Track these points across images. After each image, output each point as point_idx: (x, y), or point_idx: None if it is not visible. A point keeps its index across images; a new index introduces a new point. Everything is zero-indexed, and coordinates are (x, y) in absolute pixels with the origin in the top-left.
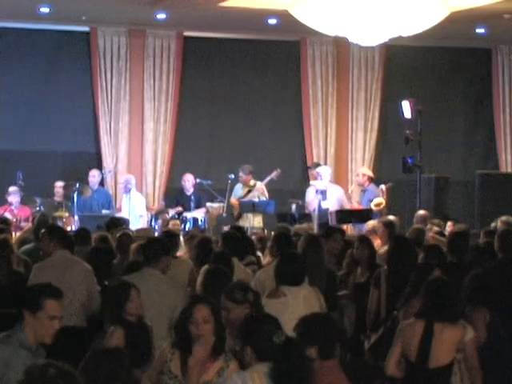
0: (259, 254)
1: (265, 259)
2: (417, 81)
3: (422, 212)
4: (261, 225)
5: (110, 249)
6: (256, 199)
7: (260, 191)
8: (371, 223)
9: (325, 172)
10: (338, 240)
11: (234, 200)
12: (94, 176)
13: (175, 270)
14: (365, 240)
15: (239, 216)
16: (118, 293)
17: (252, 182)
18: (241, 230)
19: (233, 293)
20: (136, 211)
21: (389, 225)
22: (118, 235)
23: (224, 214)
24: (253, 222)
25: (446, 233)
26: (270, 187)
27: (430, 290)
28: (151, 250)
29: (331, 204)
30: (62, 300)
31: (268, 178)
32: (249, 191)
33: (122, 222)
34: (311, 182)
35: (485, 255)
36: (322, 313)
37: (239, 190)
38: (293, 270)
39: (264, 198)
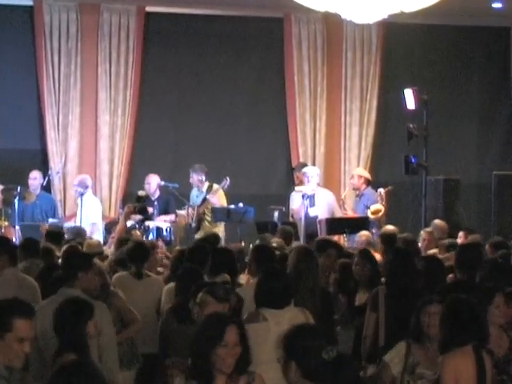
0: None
1: (242, 277)
2: (421, 65)
3: (438, 222)
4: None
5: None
6: (231, 205)
7: (212, 199)
8: (364, 234)
9: (312, 173)
10: (333, 257)
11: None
12: (34, 178)
13: (142, 291)
14: (366, 254)
15: (198, 227)
16: None
17: (206, 185)
18: (214, 240)
19: (215, 289)
20: (89, 218)
21: (387, 239)
22: (64, 249)
23: (193, 224)
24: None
25: (459, 241)
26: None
27: (465, 313)
28: (68, 264)
29: (320, 211)
30: (33, 319)
31: (219, 186)
32: (204, 199)
33: (67, 232)
34: (296, 188)
35: (503, 273)
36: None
37: (194, 197)
38: (276, 289)
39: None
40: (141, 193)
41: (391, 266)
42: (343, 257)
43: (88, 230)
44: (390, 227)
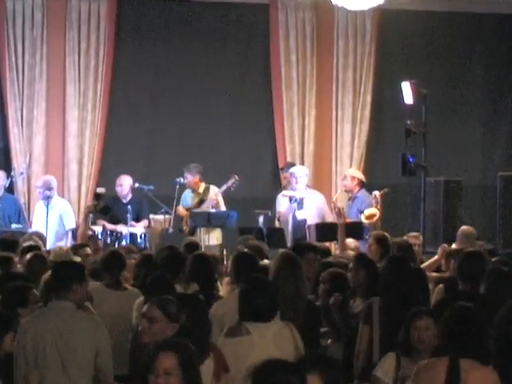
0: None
1: (224, 287)
2: (420, 56)
3: (466, 229)
4: (219, 242)
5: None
6: (212, 210)
7: (212, 202)
8: (351, 243)
9: (300, 173)
10: (312, 260)
11: (182, 209)
12: None
13: (119, 303)
14: (362, 259)
15: (192, 232)
16: None
17: (203, 187)
18: (193, 247)
19: (167, 304)
20: (65, 223)
21: (382, 240)
22: (28, 258)
23: (170, 229)
24: (208, 239)
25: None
26: (231, 194)
27: (454, 320)
28: (61, 275)
29: (309, 215)
30: None
31: (224, 187)
32: (201, 201)
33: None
34: (284, 192)
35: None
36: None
37: (188, 198)
38: (260, 301)
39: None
40: (99, 190)
41: (385, 275)
42: (328, 265)
43: (54, 237)
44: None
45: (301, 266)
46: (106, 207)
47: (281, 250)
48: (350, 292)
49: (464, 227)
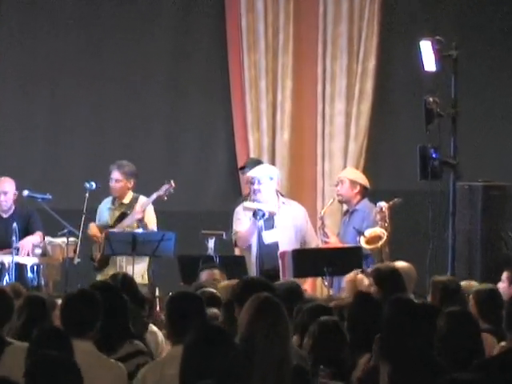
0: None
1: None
2: (447, 3)
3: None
4: (145, 278)
5: None
6: (139, 229)
7: (136, 215)
8: (351, 278)
9: (263, 175)
10: None
11: (94, 228)
12: None
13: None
14: (364, 300)
15: (104, 262)
16: None
17: (130, 196)
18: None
19: None
20: None
21: (391, 276)
22: None
23: (77, 259)
24: (131, 274)
25: (502, 286)
26: (166, 208)
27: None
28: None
29: (283, 237)
30: None
31: (153, 196)
32: (122, 214)
33: None
34: (244, 204)
35: None
36: None
37: (105, 211)
38: (219, 364)
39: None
40: None
41: (400, 330)
42: (316, 311)
43: None
44: (400, 263)
45: (284, 315)
46: None
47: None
48: (347, 348)
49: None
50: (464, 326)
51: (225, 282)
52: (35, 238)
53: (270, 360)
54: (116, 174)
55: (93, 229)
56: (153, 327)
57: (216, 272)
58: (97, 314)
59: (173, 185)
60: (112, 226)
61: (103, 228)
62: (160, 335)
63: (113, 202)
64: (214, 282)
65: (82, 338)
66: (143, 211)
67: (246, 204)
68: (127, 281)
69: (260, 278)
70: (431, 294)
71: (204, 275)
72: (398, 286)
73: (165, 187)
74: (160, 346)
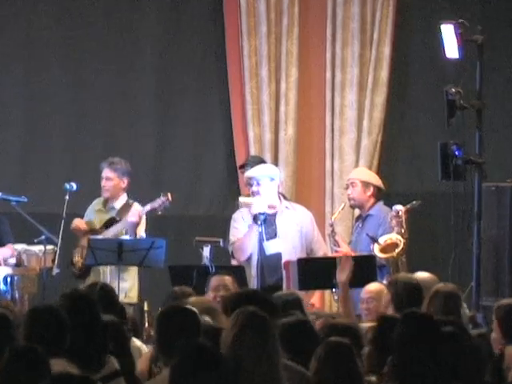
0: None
1: (143, 363)
2: None
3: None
4: (134, 293)
5: None
6: (126, 236)
7: (134, 217)
8: (373, 288)
9: (262, 176)
10: None
11: (79, 220)
12: None
13: None
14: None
15: (84, 272)
16: None
17: (123, 201)
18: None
19: None
20: None
21: (410, 289)
22: None
23: (56, 269)
24: (118, 286)
25: None
26: (159, 214)
27: None
28: None
29: (287, 246)
30: None
31: (147, 207)
32: (112, 220)
33: None
34: (240, 199)
35: None
36: None
37: (93, 212)
38: None
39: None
40: None
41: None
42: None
43: None
44: (421, 274)
45: (273, 332)
46: None
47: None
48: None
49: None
50: None
51: (194, 298)
52: (5, 251)
53: (258, 380)
54: (107, 172)
55: (77, 221)
56: (136, 342)
57: (227, 279)
58: (63, 330)
59: (169, 198)
60: (98, 231)
61: (91, 227)
62: (145, 350)
63: (104, 204)
64: (223, 290)
65: (54, 356)
66: (140, 216)
67: (242, 199)
68: (106, 291)
69: (254, 289)
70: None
71: (214, 281)
72: (416, 301)
73: (160, 200)
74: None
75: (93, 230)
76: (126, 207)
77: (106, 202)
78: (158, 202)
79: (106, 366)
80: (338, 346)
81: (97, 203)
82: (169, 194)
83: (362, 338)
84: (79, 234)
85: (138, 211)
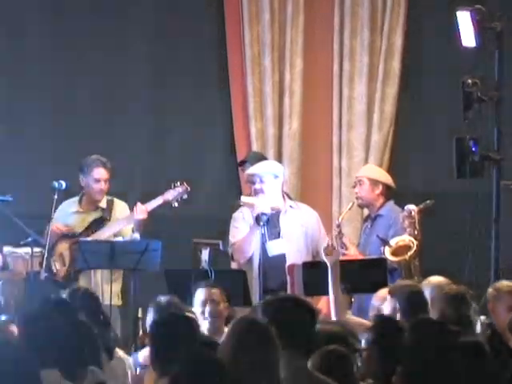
0: None
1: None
2: None
3: None
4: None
5: None
6: (118, 237)
7: (141, 214)
8: (385, 294)
9: (266, 173)
10: None
11: (59, 226)
12: None
13: None
14: (383, 329)
15: (71, 278)
16: None
17: (104, 200)
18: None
19: None
20: None
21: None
22: None
23: (44, 273)
24: (110, 291)
25: None
26: (154, 213)
27: None
28: None
29: (292, 247)
30: None
31: (159, 200)
32: (100, 220)
33: None
34: (242, 199)
35: None
36: None
37: (68, 215)
38: None
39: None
40: None
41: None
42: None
43: None
44: (434, 278)
45: (275, 342)
46: None
47: (241, 316)
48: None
49: None
50: None
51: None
52: None
53: None
54: (104, 174)
55: (56, 224)
56: (119, 352)
57: (214, 292)
58: (58, 338)
59: (187, 188)
60: (80, 235)
61: (70, 231)
62: (128, 362)
63: (80, 205)
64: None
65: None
66: (147, 212)
67: (244, 199)
68: (88, 297)
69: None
70: None
71: (200, 295)
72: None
73: (175, 191)
74: (128, 375)
75: (74, 234)
76: (110, 204)
77: (81, 202)
78: (173, 194)
79: (90, 377)
80: (333, 354)
81: (69, 205)
82: (185, 183)
83: (352, 344)
84: (55, 238)
85: (144, 208)
